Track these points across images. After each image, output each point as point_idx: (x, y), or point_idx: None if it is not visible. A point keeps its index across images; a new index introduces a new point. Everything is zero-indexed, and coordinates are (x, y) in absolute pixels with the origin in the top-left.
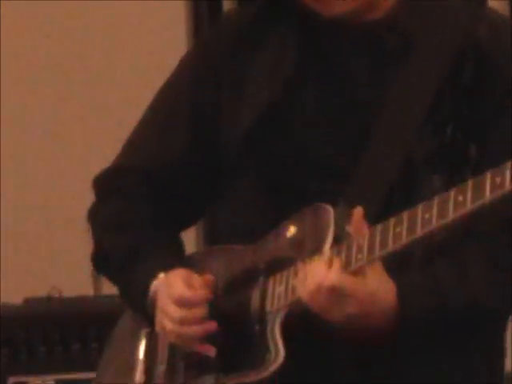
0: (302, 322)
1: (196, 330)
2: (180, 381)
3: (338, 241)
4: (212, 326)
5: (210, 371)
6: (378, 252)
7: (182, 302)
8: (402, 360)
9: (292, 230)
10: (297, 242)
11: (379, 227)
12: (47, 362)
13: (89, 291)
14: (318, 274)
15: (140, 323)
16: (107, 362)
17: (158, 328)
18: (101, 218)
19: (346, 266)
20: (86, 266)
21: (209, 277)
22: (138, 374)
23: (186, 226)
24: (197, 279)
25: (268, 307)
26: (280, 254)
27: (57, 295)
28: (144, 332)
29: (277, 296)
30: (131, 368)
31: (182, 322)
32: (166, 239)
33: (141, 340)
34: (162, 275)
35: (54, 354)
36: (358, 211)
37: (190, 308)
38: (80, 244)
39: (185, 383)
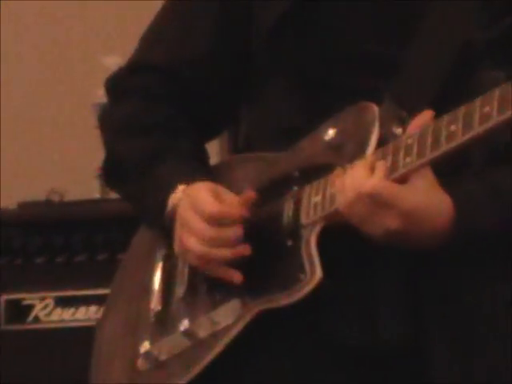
0: (342, 238)
1: (228, 252)
2: (201, 307)
3: (383, 143)
4: (246, 249)
5: (235, 295)
6: (429, 154)
7: (214, 220)
8: (454, 282)
9: (330, 133)
10: (336, 146)
11: (431, 126)
12: (46, 275)
13: (94, 194)
14: (357, 181)
15: (157, 243)
16: (120, 286)
17: (177, 248)
18: (114, 119)
19: (391, 171)
20: (92, 166)
21: (250, 193)
22: (154, 301)
23: (210, 133)
24: (228, 194)
25: (303, 219)
26: (317, 160)
27: (57, 199)
28: (161, 254)
29: (313, 207)
30: (146, 293)
31: (213, 242)
32: (187, 146)
33: (157, 262)
34: (181, 187)
35: (55, 266)
36: (428, 113)
37: (223, 227)
38: (84, 141)
39: (207, 311)
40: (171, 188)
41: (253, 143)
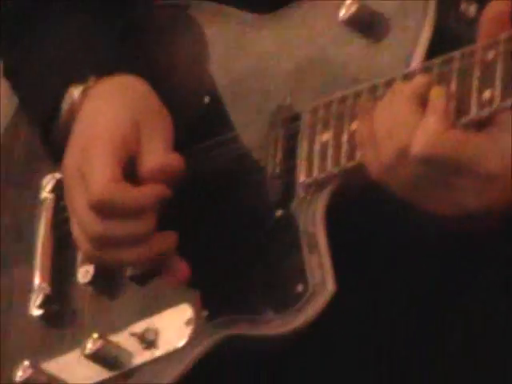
0: (369, 211)
1: (140, 253)
2: (123, 308)
3: (442, 33)
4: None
5: (185, 296)
6: None
7: (117, 211)
8: None
9: (352, 7)
10: (363, 42)
11: None
12: None
13: None
14: (399, 128)
15: (39, 152)
16: None
17: (69, 204)
18: None
19: (458, 112)
20: None
21: (175, 161)
22: (39, 272)
23: None
24: (150, 140)
25: (301, 175)
26: (326, 62)
27: None
28: (50, 176)
29: (319, 151)
30: (20, 262)
31: (106, 241)
32: None
33: (40, 193)
34: (91, 81)
35: None
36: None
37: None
38: None
39: (133, 318)
40: (76, 76)
41: None
